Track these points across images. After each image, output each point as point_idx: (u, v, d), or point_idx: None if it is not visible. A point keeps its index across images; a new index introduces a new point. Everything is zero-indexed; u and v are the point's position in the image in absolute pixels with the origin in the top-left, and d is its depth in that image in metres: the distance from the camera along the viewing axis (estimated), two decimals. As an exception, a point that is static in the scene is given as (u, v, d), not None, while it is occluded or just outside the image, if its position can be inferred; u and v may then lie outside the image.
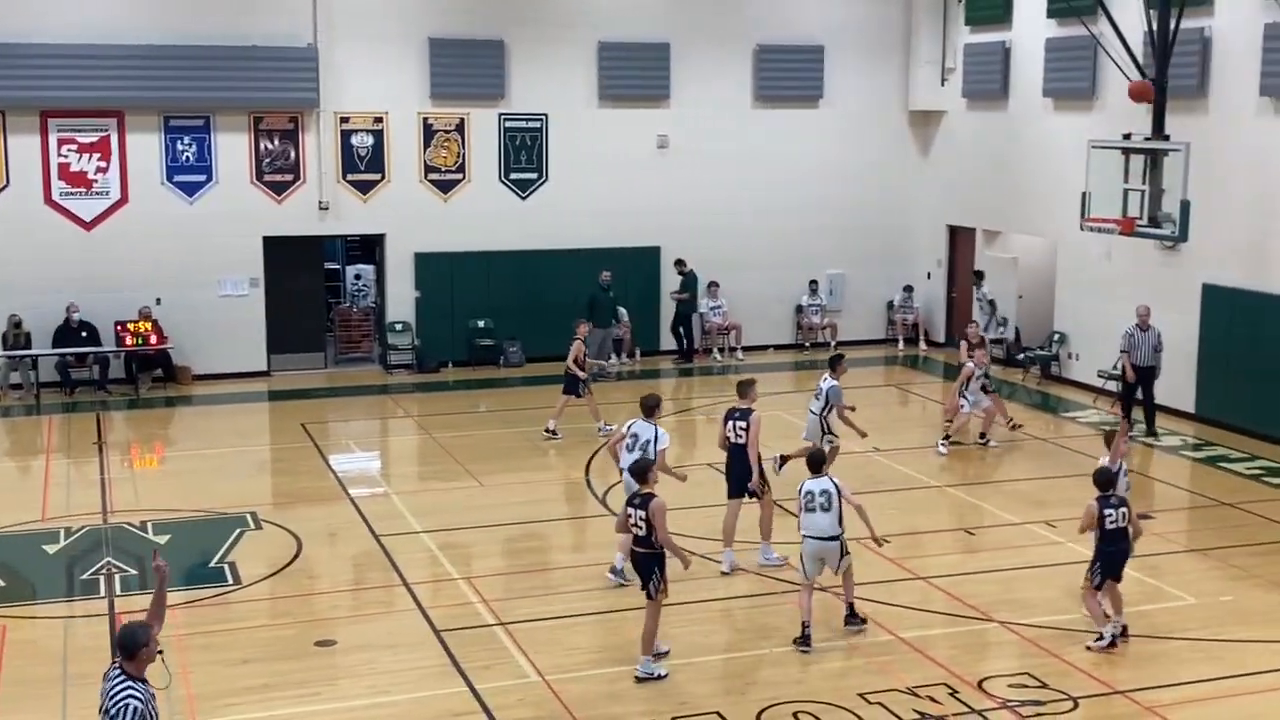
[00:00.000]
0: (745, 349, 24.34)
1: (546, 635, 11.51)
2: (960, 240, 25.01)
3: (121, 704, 6.94)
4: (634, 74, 23.63)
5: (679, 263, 23.79)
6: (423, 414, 20.29)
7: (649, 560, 10.72)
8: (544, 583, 13.04)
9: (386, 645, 11.40)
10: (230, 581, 12.93)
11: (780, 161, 24.47)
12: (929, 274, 25.55)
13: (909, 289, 25.15)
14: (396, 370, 22.86)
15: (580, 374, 18.33)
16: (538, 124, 23.42)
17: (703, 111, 24.01)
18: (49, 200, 21.16)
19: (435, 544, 14.06)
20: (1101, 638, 11.26)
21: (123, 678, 7.06)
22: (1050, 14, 21.87)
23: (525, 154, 23.43)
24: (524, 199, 23.50)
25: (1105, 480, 11.41)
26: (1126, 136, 17.63)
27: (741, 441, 13.00)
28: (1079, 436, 18.34)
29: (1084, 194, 18.02)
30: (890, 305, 25.57)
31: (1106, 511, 11.21)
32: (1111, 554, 11.25)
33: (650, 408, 12.87)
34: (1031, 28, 22.43)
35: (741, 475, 13.06)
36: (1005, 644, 11.57)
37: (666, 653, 10.97)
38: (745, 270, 24.39)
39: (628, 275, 23.50)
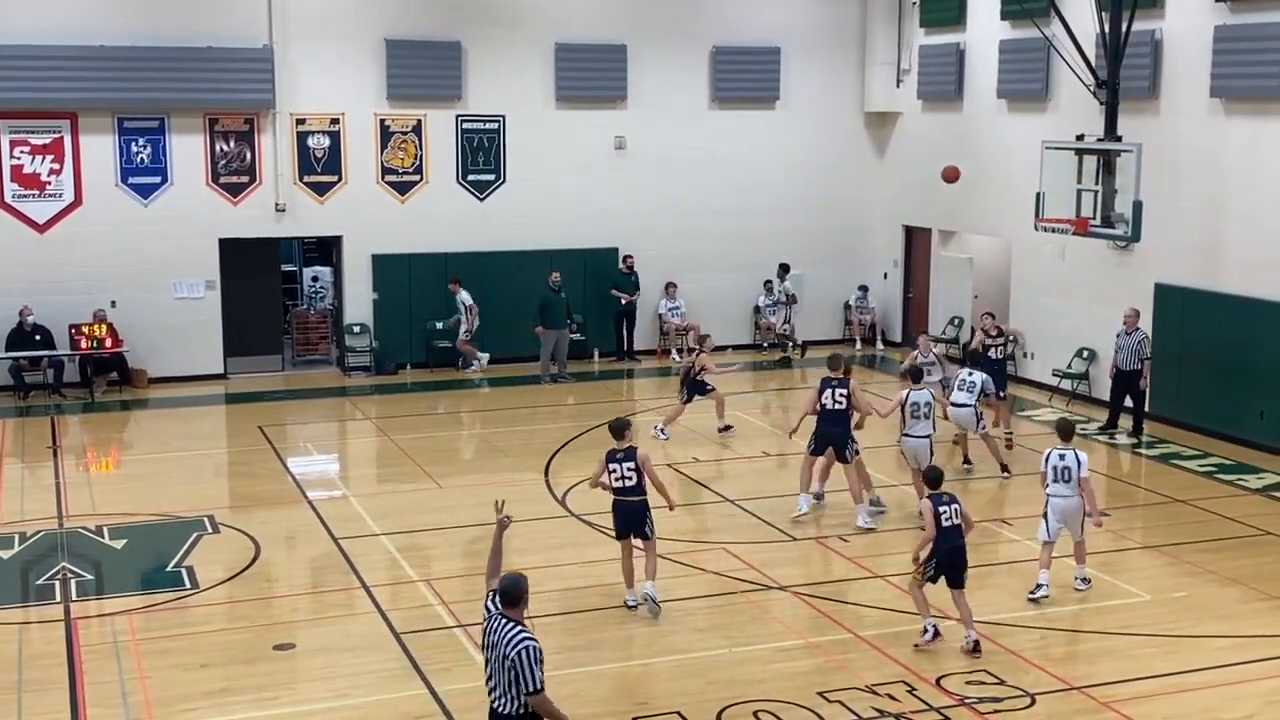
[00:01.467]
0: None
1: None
2: (916, 240, 25.19)
3: (524, 646, 7.54)
4: (591, 75, 23.65)
5: (626, 259, 23.87)
6: (381, 416, 20.22)
7: (641, 507, 11.99)
8: (504, 584, 13.01)
9: (346, 648, 11.36)
10: (188, 585, 12.84)
11: (737, 162, 24.57)
12: (885, 274, 25.71)
13: (864, 289, 25.31)
14: (354, 372, 22.76)
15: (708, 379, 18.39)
16: (495, 125, 23.39)
17: (660, 113, 24.07)
18: (1, 203, 20.93)
19: (394, 546, 14.02)
20: (926, 631, 11.34)
21: (514, 624, 7.65)
22: (1004, 16, 22.07)
23: (483, 155, 23.39)
24: (482, 200, 23.47)
25: (936, 478, 11.67)
26: (1080, 138, 17.82)
27: (841, 408, 14.47)
28: (1035, 435, 18.51)
29: (1038, 194, 18.21)
30: (847, 305, 25.72)
31: (940, 509, 11.36)
32: (948, 551, 11.32)
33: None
34: (986, 29, 22.63)
35: (842, 438, 14.52)
36: (963, 642, 11.64)
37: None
38: (703, 271, 24.47)
39: (585, 276, 23.51)
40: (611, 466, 11.95)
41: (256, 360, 22.61)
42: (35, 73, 20.53)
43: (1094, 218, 17.28)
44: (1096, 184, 17.24)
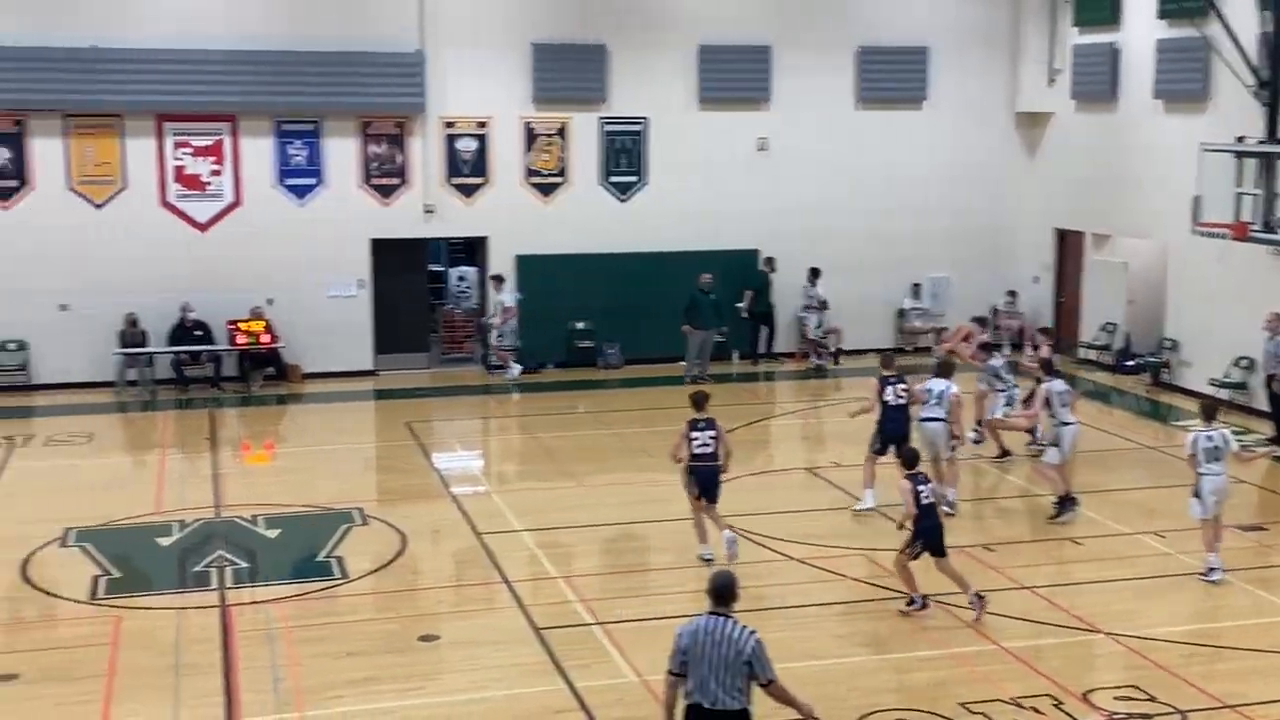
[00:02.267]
0: (844, 352, 24.18)
1: (645, 636, 11.55)
2: (1069, 244, 24.60)
3: (756, 639, 7.68)
4: (734, 77, 23.62)
5: (767, 261, 23.78)
6: (523, 414, 20.50)
7: (716, 471, 13.22)
8: (642, 583, 13.13)
9: (488, 641, 11.55)
10: (337, 575, 13.19)
11: (882, 164, 24.29)
12: (1036, 278, 25.17)
13: (1013, 294, 24.79)
14: (497, 371, 23.11)
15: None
16: (638, 127, 23.53)
17: (804, 114, 23.93)
18: (164, 202, 21.75)
19: (535, 543, 14.21)
20: (913, 601, 11.92)
21: (732, 620, 7.74)
22: (1161, 15, 21.42)
23: (625, 157, 23.55)
24: (624, 201, 23.63)
25: (912, 458, 12.26)
26: (1240, 139, 17.26)
27: (903, 402, 14.99)
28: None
29: (1195, 198, 17.67)
30: (994, 310, 25.24)
31: (920, 488, 11.89)
32: (929, 528, 11.87)
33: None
34: (1141, 29, 22.00)
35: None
36: (1112, 655, 11.38)
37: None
38: (845, 273, 24.24)
39: (725, 278, 23.51)
40: (693, 435, 13.16)
41: (404, 358, 23.09)
42: (197, 77, 21.28)
43: (1254, 222, 16.71)
44: (1257, 188, 16.66)
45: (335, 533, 14.43)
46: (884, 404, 15.09)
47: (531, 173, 23.21)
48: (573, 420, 20.45)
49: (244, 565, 13.53)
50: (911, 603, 11.96)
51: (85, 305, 21.33)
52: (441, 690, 10.67)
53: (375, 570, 13.35)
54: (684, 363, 22.36)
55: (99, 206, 21.48)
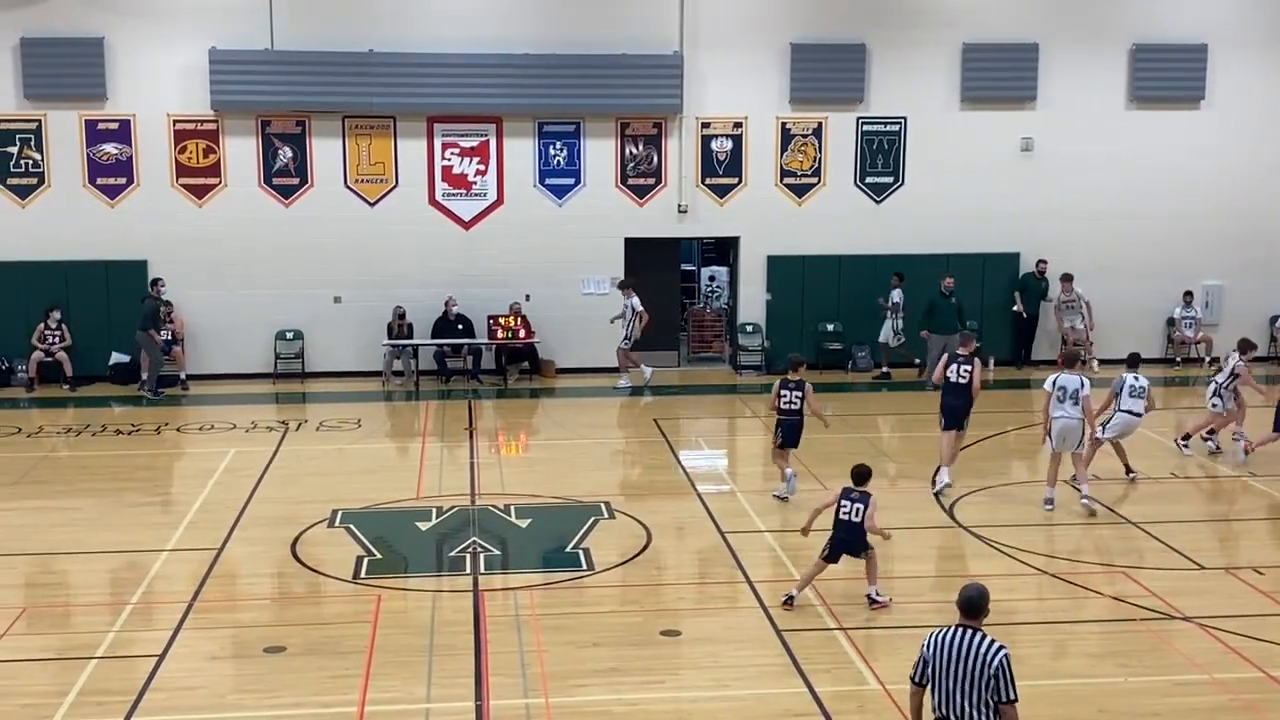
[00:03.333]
0: (1107, 362, 23.22)
1: (887, 643, 11.39)
2: (1359, 252, 22.99)
3: (1004, 655, 7.60)
4: (999, 75, 23.01)
5: (1040, 263, 23.05)
6: (770, 415, 20.41)
7: (799, 423, 15.52)
8: (885, 590, 12.90)
9: (729, 640, 11.57)
10: (584, 567, 13.45)
11: (1155, 165, 23.27)
12: (1317, 289, 23.63)
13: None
14: (746, 371, 23.15)
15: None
16: (896, 127, 23.18)
17: (1071, 113, 23.12)
18: (433, 200, 22.67)
19: (778, 544, 14.16)
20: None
21: (982, 634, 7.71)
22: None
23: (882, 157, 23.24)
24: (879, 203, 23.31)
25: (861, 475, 12.35)
26: None
27: (965, 382, 15.57)
28: None
29: None
30: (1274, 320, 23.79)
31: (843, 504, 12.21)
32: (841, 540, 12.24)
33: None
34: None
35: (965, 409, 15.78)
36: (1395, 694, 10.56)
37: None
38: (1111, 279, 23.29)
39: (983, 282, 22.91)
40: (783, 393, 15.44)
41: (654, 355, 23.39)
42: (465, 80, 22.10)
43: None
44: None
45: (583, 525, 14.73)
46: (946, 380, 15.85)
47: (785, 173, 23.16)
48: (819, 424, 20.25)
49: (496, 553, 13.94)
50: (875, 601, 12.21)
51: (357, 298, 22.45)
52: (682, 685, 10.74)
53: (621, 564, 13.56)
54: (924, 366, 21.88)
55: (372, 204, 22.56)
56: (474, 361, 22.64)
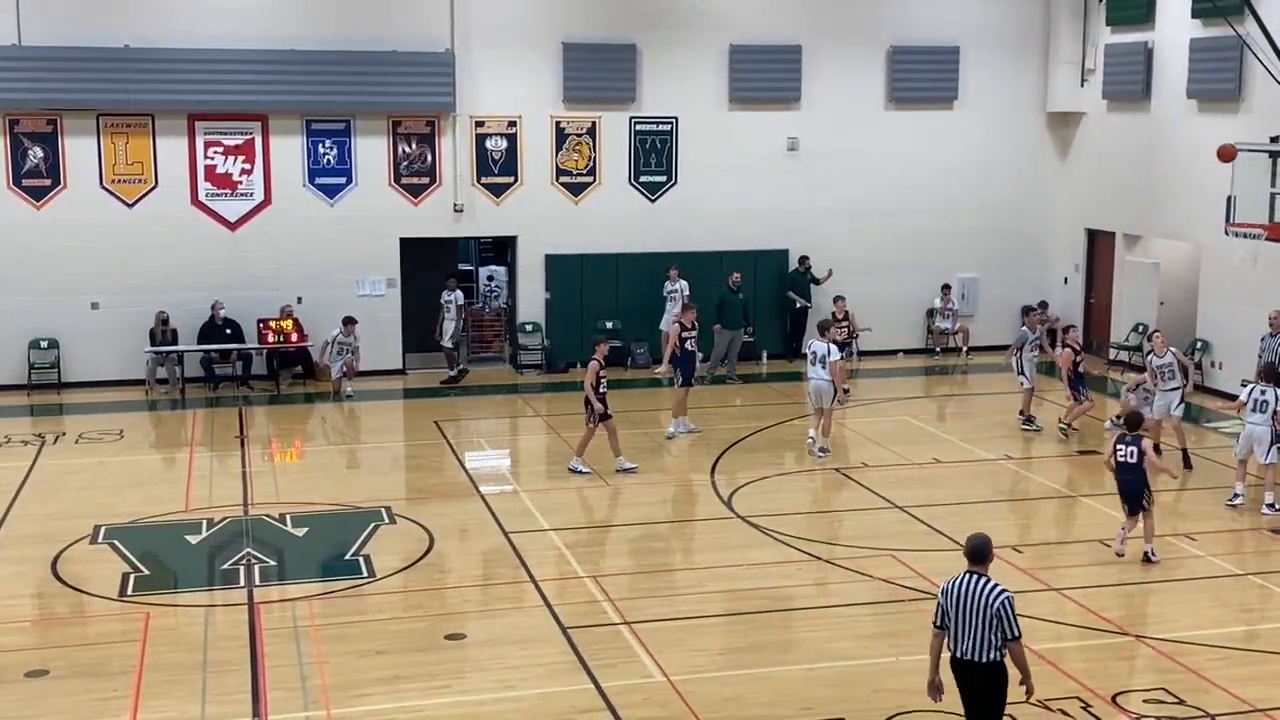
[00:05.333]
0: (872, 354, 24.15)
1: (672, 636, 11.55)
2: (1100, 245, 24.45)
3: (1006, 597, 8.44)
4: (765, 76, 23.58)
5: (803, 259, 23.77)
6: (551, 413, 20.50)
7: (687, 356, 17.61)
8: (669, 583, 13.10)
9: (514, 640, 11.55)
10: (365, 574, 13.23)
11: (913, 164, 24.22)
12: (1065, 279, 25.03)
13: (1043, 304, 24.26)
14: (526, 370, 23.13)
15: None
16: (668, 126, 23.52)
17: (834, 113, 23.88)
18: (195, 201, 21.89)
19: (562, 542, 14.21)
20: None
21: (987, 579, 8.54)
22: (1195, 14, 21.26)
23: (655, 156, 23.55)
24: (653, 201, 23.62)
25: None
26: (1274, 139, 17.08)
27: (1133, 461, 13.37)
28: (1222, 447, 17.80)
29: (1229, 198, 17.47)
30: (1026, 310, 25.06)
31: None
32: None
33: None
34: (1175, 28, 21.83)
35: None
36: (1141, 659, 11.29)
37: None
38: (875, 273, 24.17)
39: (755, 277, 23.47)
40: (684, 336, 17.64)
41: (433, 356, 23.14)
42: (228, 76, 21.40)
43: (1289, 223, 16.53)
44: (1292, 188, 16.48)
45: (363, 531, 14.48)
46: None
47: (561, 172, 23.23)
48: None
49: (272, 563, 13.59)
50: None
51: (116, 304, 21.49)
52: (468, 689, 10.68)
53: (403, 569, 13.39)
54: (707, 362, 22.26)
55: (131, 205, 21.64)
56: (243, 367, 21.96)
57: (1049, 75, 24.59)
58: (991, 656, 8.50)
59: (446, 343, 22.39)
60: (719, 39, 23.33)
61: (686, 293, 22.37)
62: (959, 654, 8.60)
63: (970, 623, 8.49)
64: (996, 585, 8.51)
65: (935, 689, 8.83)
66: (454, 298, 22.47)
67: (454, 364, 22.48)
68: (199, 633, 11.72)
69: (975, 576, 8.57)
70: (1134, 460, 13.16)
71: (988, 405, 20.89)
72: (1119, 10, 23.18)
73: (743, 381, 22.45)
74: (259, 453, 18.16)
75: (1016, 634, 8.46)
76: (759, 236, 23.81)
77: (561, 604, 12.38)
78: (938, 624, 8.69)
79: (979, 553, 8.66)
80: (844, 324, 21.57)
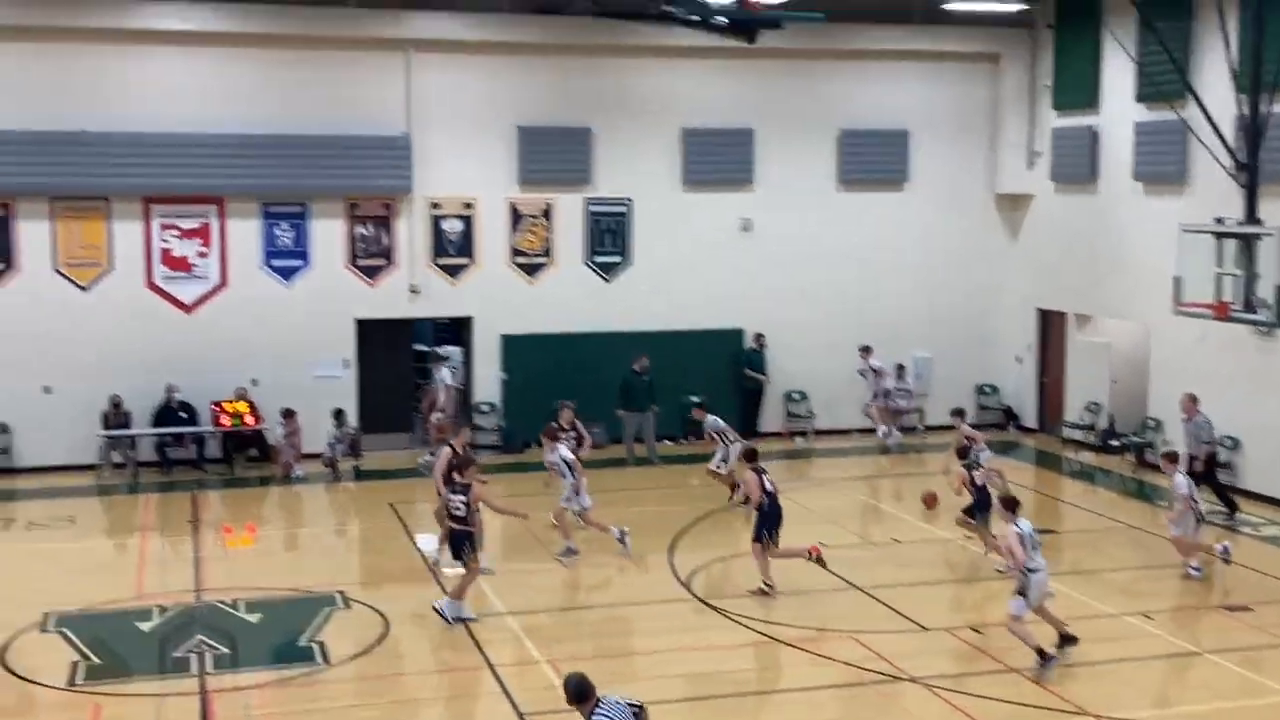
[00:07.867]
0: (825, 432, 24.23)
1: (631, 721, 11.43)
2: (1052, 324, 24.76)
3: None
4: (717, 159, 23.88)
5: (758, 336, 23.93)
6: (508, 494, 20.33)
7: (461, 537, 14.30)
8: (628, 668, 12.99)
9: (471, 729, 11.41)
10: (319, 661, 13.04)
11: (865, 245, 24.51)
12: (1018, 359, 25.30)
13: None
14: (483, 451, 23.01)
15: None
16: (622, 208, 23.73)
17: (786, 195, 24.17)
18: (151, 284, 21.79)
19: (519, 626, 14.08)
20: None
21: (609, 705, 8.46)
22: (1139, 98, 21.77)
23: (610, 237, 23.72)
24: (608, 281, 23.75)
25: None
26: (1219, 220, 17.42)
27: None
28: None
29: (1176, 278, 17.79)
30: (982, 390, 25.31)
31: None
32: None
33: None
34: (1120, 112, 22.33)
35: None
36: (1100, 739, 11.29)
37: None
38: (828, 352, 24.31)
39: (709, 356, 23.57)
40: (449, 497, 14.65)
41: (388, 438, 23.01)
42: (184, 160, 21.39)
43: (1235, 302, 16.82)
44: (1237, 268, 16.80)
45: (317, 616, 14.29)
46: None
47: (517, 253, 23.34)
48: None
49: (224, 651, 13.36)
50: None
51: (69, 387, 21.27)
52: (424, 779, 10.51)
53: (357, 655, 13.21)
54: (625, 445, 22.26)
55: (84, 289, 21.51)
56: (198, 450, 21.74)
57: (998, 158, 25.05)
58: None
59: (435, 418, 22.17)
60: (672, 122, 23.62)
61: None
62: None
63: None
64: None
65: None
66: (443, 375, 22.40)
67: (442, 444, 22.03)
68: (149, 724, 11.50)
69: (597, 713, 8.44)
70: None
71: (943, 483, 20.96)
72: (1065, 95, 23.71)
73: (665, 463, 22.32)
74: (212, 537, 17.94)
75: None
76: (713, 316, 23.95)
77: (519, 690, 12.24)
78: None
79: (580, 692, 8.62)
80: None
